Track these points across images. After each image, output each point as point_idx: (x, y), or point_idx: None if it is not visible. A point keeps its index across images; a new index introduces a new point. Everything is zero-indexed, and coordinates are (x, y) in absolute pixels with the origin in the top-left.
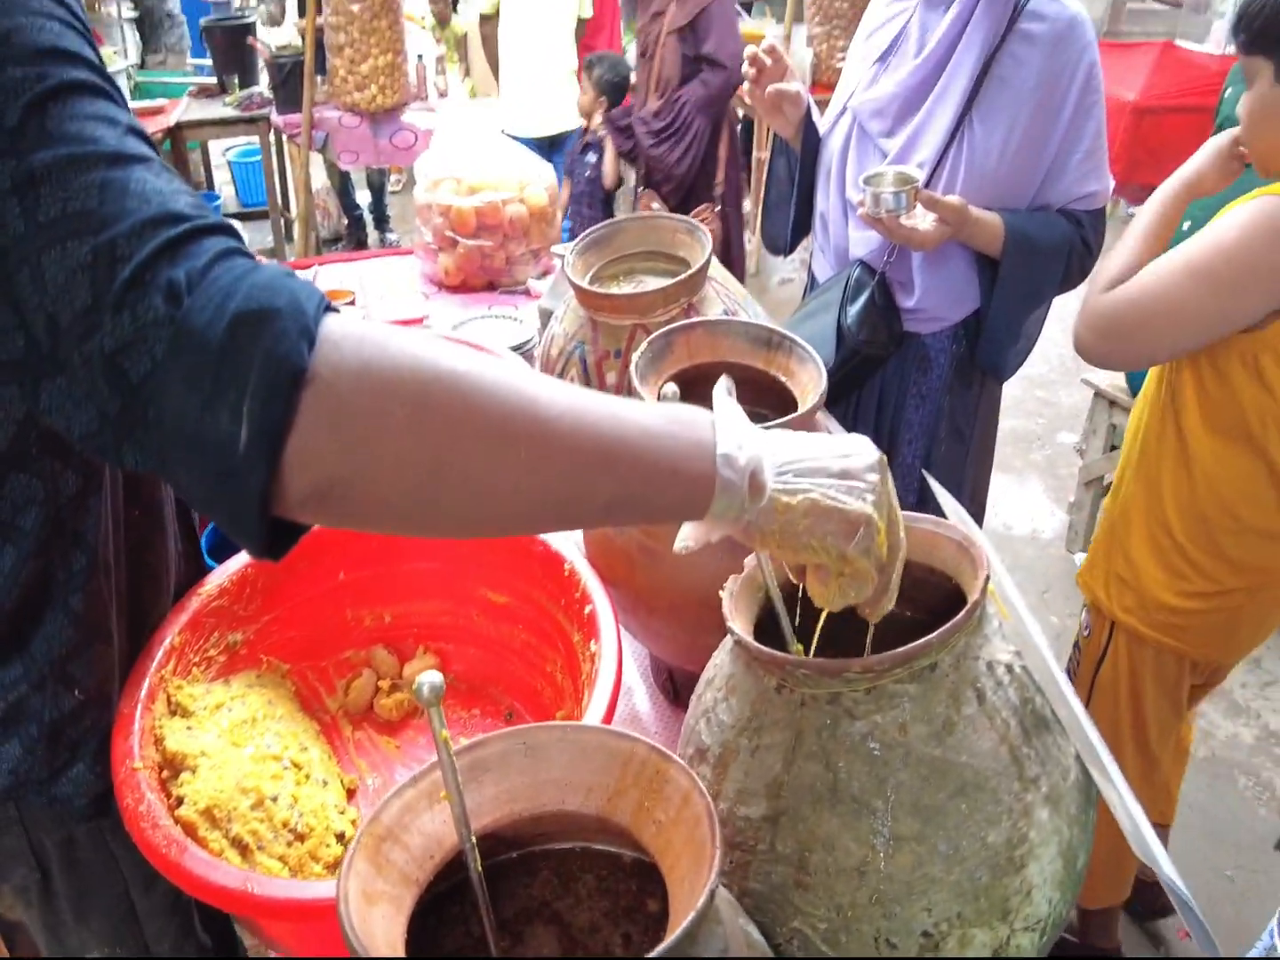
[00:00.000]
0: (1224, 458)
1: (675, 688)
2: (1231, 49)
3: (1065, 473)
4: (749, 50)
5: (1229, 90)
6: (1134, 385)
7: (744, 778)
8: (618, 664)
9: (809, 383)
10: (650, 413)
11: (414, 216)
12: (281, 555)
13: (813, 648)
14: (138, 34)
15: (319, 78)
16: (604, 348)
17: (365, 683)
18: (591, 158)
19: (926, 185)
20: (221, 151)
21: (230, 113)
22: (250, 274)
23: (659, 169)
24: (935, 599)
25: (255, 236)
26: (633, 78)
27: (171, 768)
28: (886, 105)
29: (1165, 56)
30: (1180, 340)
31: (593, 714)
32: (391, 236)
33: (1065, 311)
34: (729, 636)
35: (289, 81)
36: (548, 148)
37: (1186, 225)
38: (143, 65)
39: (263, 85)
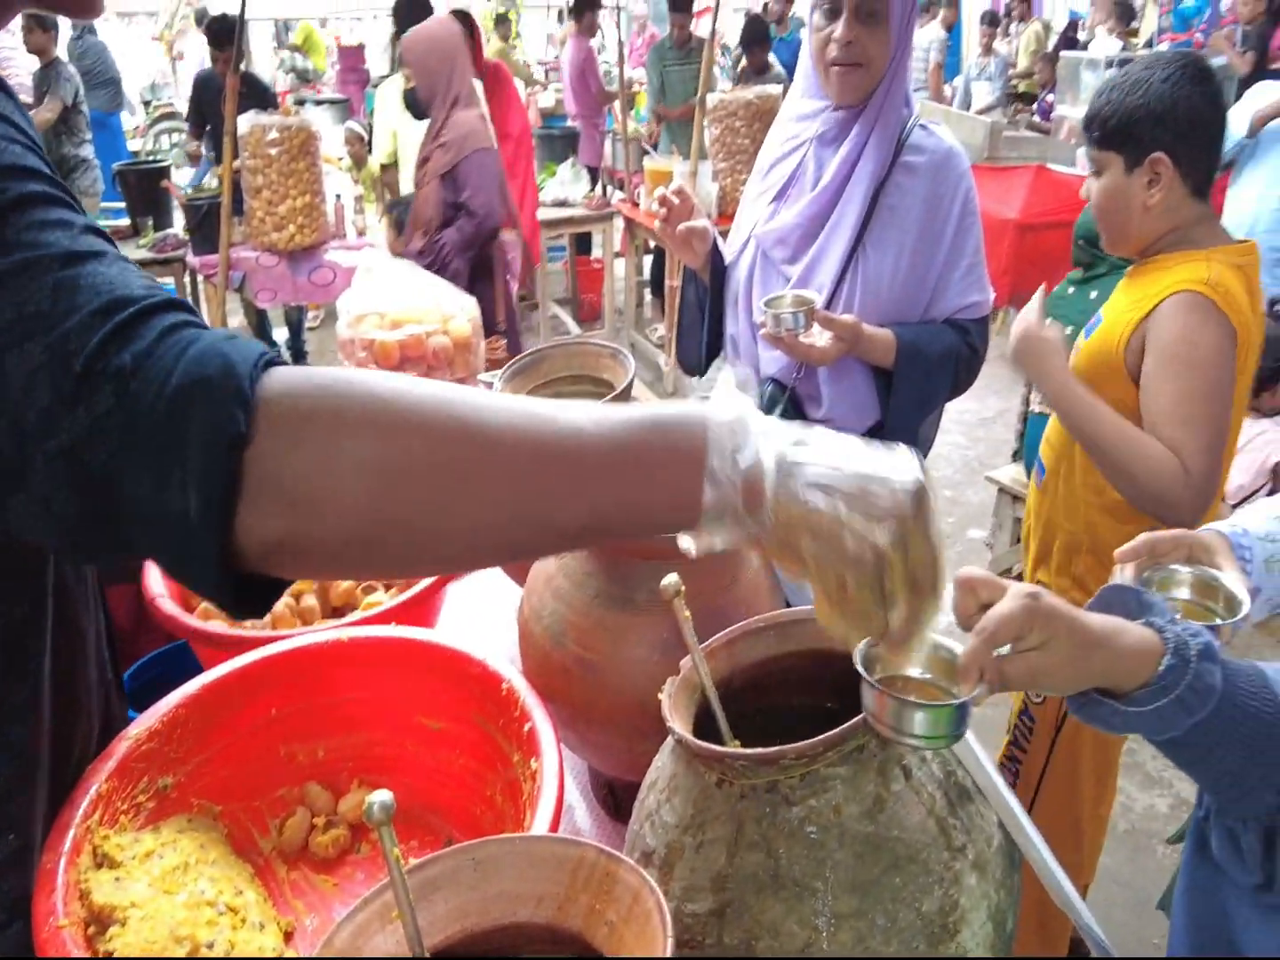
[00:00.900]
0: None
1: (616, 801)
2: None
3: (977, 566)
4: (658, 192)
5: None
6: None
7: (690, 875)
8: (559, 779)
9: None
10: (628, 420)
11: (332, 352)
12: (265, 610)
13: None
14: None
15: (236, 219)
16: None
17: (299, 821)
18: None
19: (827, 306)
20: None
21: (145, 255)
22: (190, 346)
23: None
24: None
25: None
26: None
27: (99, 923)
28: (788, 234)
29: (1039, 179)
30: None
31: (538, 829)
32: None
33: (967, 418)
34: (670, 738)
35: (205, 223)
36: None
37: (1069, 330)
38: None
39: (177, 227)
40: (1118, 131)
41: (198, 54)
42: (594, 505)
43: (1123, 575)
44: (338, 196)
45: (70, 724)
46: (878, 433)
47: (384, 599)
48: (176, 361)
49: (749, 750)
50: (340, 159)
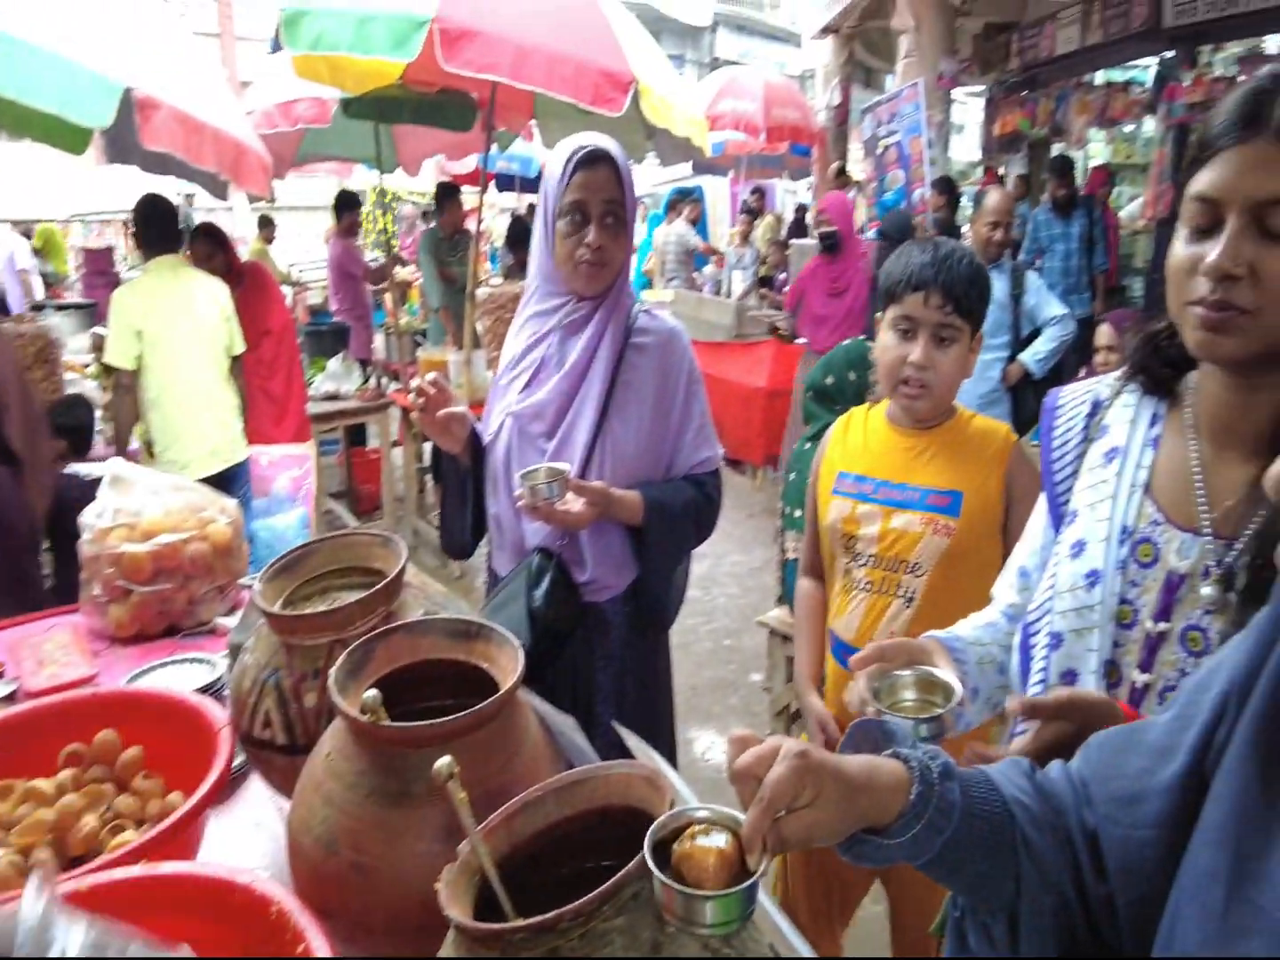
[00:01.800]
0: None
1: None
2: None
3: (759, 708)
4: (414, 383)
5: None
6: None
7: None
8: None
9: (508, 665)
10: None
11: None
12: None
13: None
14: None
15: None
16: (300, 670)
17: None
18: None
19: (582, 475)
20: None
21: None
22: None
23: None
24: (640, 837)
25: None
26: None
27: None
28: (544, 409)
29: (778, 350)
30: None
31: None
32: None
33: (739, 570)
34: (450, 928)
35: None
36: (222, 484)
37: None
38: None
39: None
40: (978, 301)
41: None
42: None
43: (857, 684)
44: None
45: None
46: (637, 586)
47: (133, 836)
48: None
49: (524, 921)
50: (85, 366)
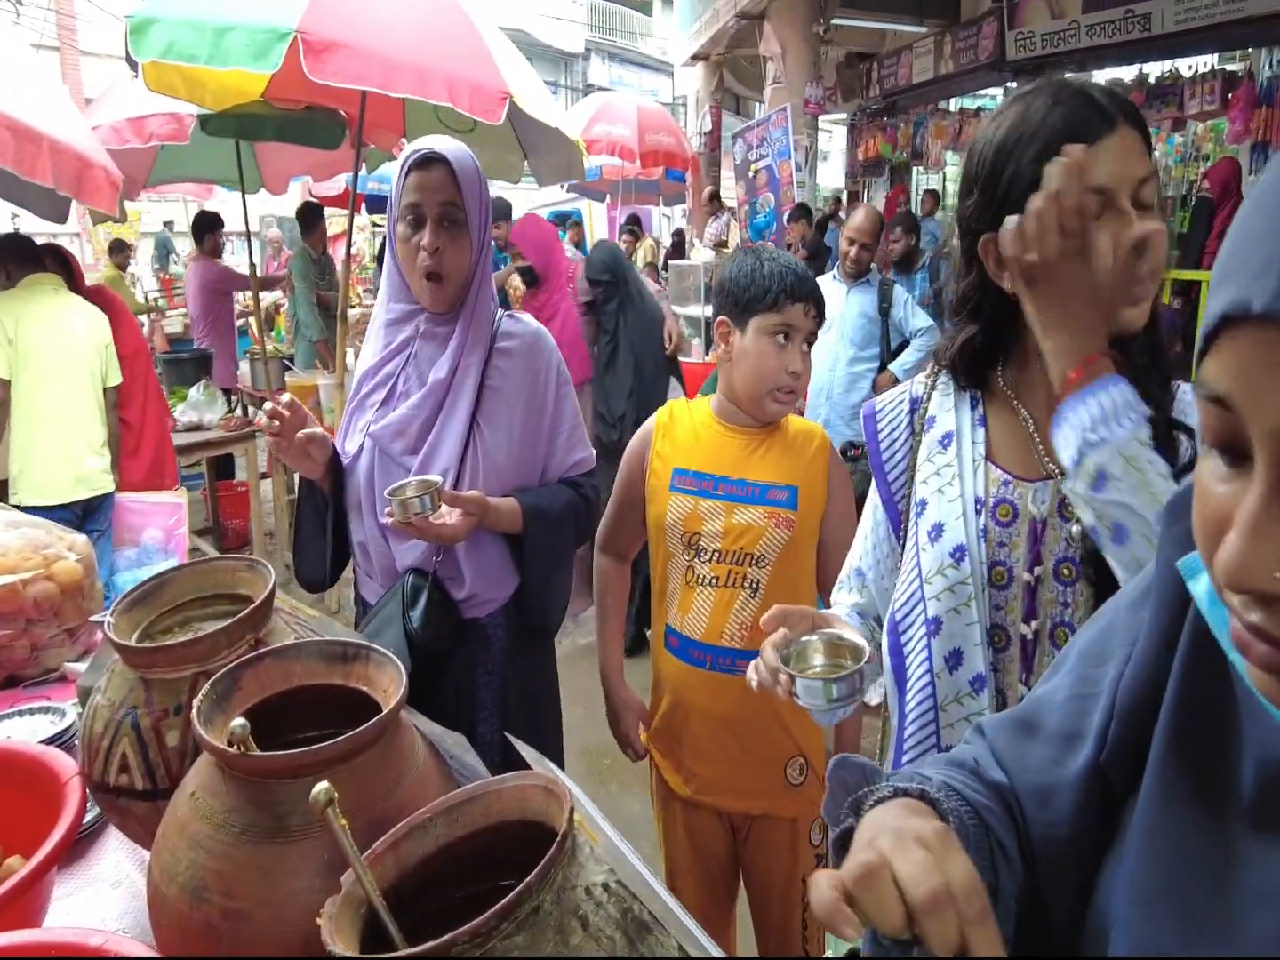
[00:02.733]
0: None
1: None
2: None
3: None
4: (267, 406)
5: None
6: None
7: None
8: None
9: (390, 685)
10: None
11: None
12: None
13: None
14: None
15: None
16: (160, 707)
17: None
18: None
19: (455, 487)
20: None
21: None
22: None
23: None
24: (537, 852)
25: None
26: None
27: None
28: (407, 426)
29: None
30: None
31: None
32: None
33: None
34: None
35: None
36: (80, 515)
37: None
38: None
39: None
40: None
41: None
42: None
43: (764, 655)
44: None
45: None
46: (519, 596)
47: None
48: None
49: (416, 949)
50: None
